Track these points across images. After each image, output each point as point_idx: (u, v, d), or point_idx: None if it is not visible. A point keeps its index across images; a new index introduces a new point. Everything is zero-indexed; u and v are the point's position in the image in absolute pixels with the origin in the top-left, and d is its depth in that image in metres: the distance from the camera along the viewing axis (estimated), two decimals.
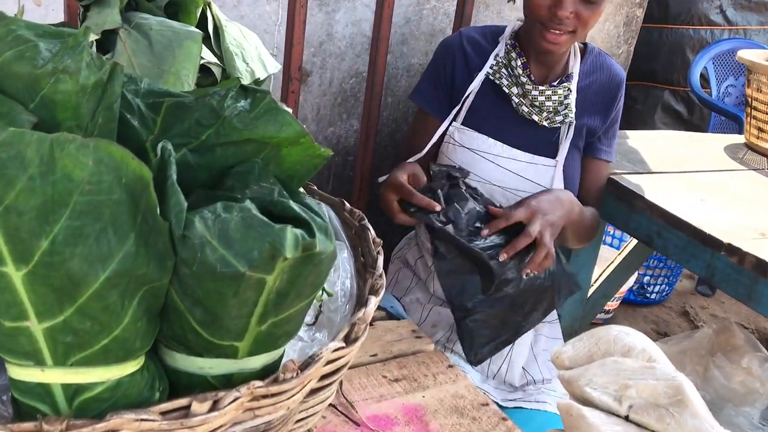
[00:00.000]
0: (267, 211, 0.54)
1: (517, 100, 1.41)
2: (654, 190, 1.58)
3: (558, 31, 1.29)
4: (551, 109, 1.41)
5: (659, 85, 3.44)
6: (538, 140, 1.43)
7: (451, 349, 1.41)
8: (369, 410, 0.97)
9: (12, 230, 0.46)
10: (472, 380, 1.38)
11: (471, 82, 1.44)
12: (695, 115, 3.36)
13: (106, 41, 0.81)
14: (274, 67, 0.96)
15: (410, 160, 1.50)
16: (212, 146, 0.58)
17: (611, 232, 2.61)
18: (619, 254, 2.12)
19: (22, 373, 0.51)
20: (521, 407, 1.36)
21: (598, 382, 0.81)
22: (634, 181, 1.62)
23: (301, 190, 0.99)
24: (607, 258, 2.16)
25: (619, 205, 1.61)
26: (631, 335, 0.90)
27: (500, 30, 1.47)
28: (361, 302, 0.78)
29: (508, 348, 1.40)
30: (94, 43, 0.78)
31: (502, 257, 1.21)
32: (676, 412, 0.76)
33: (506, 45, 1.43)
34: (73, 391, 0.51)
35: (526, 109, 1.41)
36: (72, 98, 0.49)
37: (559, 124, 1.42)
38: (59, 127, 0.50)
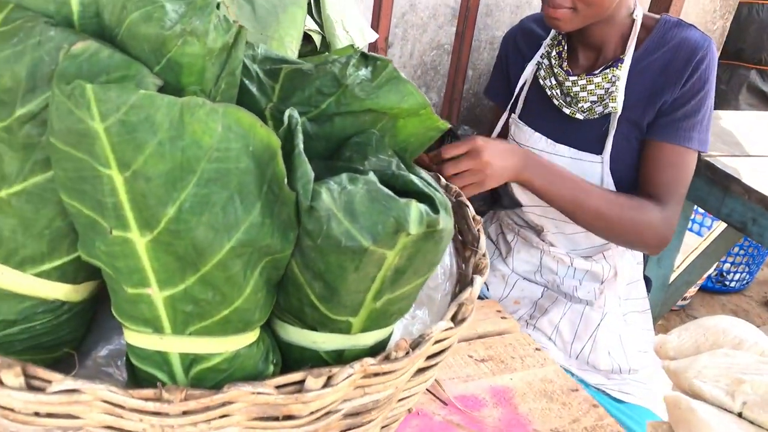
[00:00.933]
0: (388, 184, 0.52)
1: (550, 92, 1.33)
2: (752, 173, 1.50)
3: (554, 7, 1.18)
4: (591, 100, 1.29)
5: (746, 64, 3.27)
6: (583, 134, 1.32)
7: (534, 326, 1.38)
8: (456, 390, 0.96)
9: (139, 196, 0.45)
10: (554, 358, 1.35)
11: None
12: None
13: None
14: (372, 35, 0.94)
15: None
16: (331, 116, 0.56)
17: (693, 218, 2.51)
18: (704, 241, 2.04)
19: (141, 339, 0.51)
20: (605, 392, 1.32)
21: (708, 374, 0.77)
22: (729, 163, 1.54)
23: None
24: (690, 245, 2.08)
25: (712, 189, 1.54)
26: (742, 327, 0.85)
27: None
28: (463, 281, 0.76)
29: (593, 328, 1.36)
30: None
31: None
32: None
33: (554, 31, 1.35)
34: (190, 360, 0.51)
35: (556, 102, 1.32)
36: (198, 62, 0.48)
37: (597, 116, 1.29)
38: (183, 92, 0.49)
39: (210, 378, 0.51)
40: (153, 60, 0.48)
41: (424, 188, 0.52)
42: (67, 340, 0.57)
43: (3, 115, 0.48)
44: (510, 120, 1.43)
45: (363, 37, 0.91)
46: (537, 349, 1.07)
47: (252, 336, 0.52)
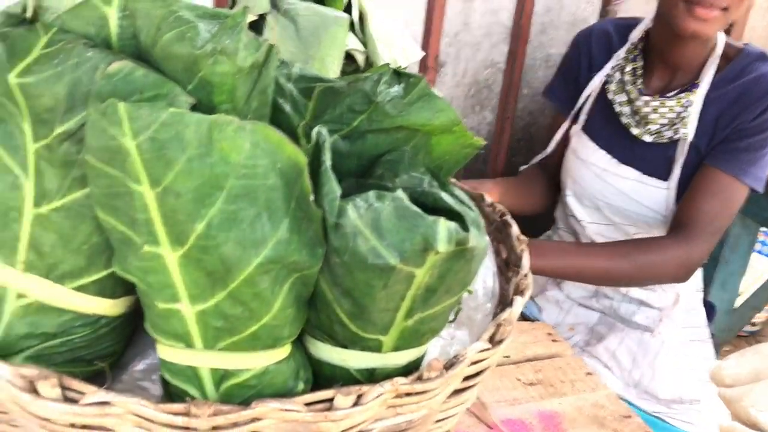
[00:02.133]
0: (418, 201, 0.51)
1: (619, 109, 1.27)
2: None
3: (708, 7, 1.10)
4: (661, 123, 1.23)
5: None
6: (649, 158, 1.27)
7: (589, 353, 1.34)
8: (502, 413, 0.93)
9: (169, 212, 0.46)
10: (612, 387, 1.30)
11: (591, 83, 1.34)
12: None
13: (254, 27, 0.82)
14: (418, 54, 0.94)
15: (536, 159, 1.45)
16: (363, 133, 0.56)
17: (763, 240, 2.40)
18: None
19: (172, 354, 0.52)
20: (664, 420, 1.27)
21: (766, 403, 0.72)
22: None
23: None
24: (758, 268, 1.98)
25: None
26: None
27: (635, 25, 1.32)
28: (504, 302, 0.74)
29: (652, 356, 1.31)
30: None
31: None
32: None
33: (630, 44, 1.30)
34: (220, 376, 0.51)
35: (625, 120, 1.26)
36: (229, 80, 0.49)
37: (666, 140, 1.24)
38: (215, 110, 0.50)
39: (239, 394, 0.51)
40: (186, 79, 0.49)
41: (455, 205, 0.51)
42: (105, 354, 0.58)
43: (44, 134, 0.50)
44: (571, 130, 1.39)
45: (407, 55, 0.91)
46: (588, 373, 1.04)
47: (282, 352, 0.52)
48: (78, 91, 0.48)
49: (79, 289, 0.54)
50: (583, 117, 1.37)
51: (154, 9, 0.49)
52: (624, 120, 1.28)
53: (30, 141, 0.51)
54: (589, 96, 1.35)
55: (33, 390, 0.49)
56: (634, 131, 1.26)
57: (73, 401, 0.49)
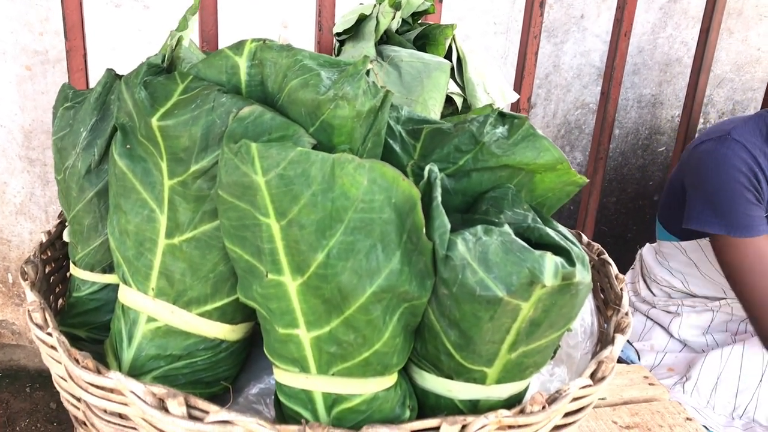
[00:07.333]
0: (523, 237, 0.53)
1: None
2: None
3: None
4: None
5: None
6: None
7: (690, 392, 1.31)
8: None
9: (292, 242, 0.50)
10: (716, 425, 1.26)
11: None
12: None
13: None
14: (513, 96, 0.96)
15: None
16: (468, 171, 0.59)
17: None
18: None
19: (288, 378, 0.55)
20: None
21: None
22: None
23: None
24: None
25: None
26: None
27: None
28: (603, 340, 0.74)
29: (754, 386, 1.27)
30: None
31: None
32: None
33: None
34: (332, 400, 0.54)
35: None
36: (348, 123, 0.52)
37: None
38: (334, 150, 0.53)
39: (350, 418, 0.54)
40: (308, 122, 0.53)
41: (560, 241, 0.52)
42: (223, 377, 0.62)
43: (180, 171, 0.55)
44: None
45: (504, 98, 0.94)
46: (688, 418, 1.01)
47: (390, 380, 0.55)
48: (212, 133, 0.53)
49: (204, 314, 0.58)
50: None
51: (281, 58, 0.54)
52: None
53: (166, 178, 0.56)
54: None
55: (162, 407, 0.53)
56: None
57: (198, 419, 0.53)
